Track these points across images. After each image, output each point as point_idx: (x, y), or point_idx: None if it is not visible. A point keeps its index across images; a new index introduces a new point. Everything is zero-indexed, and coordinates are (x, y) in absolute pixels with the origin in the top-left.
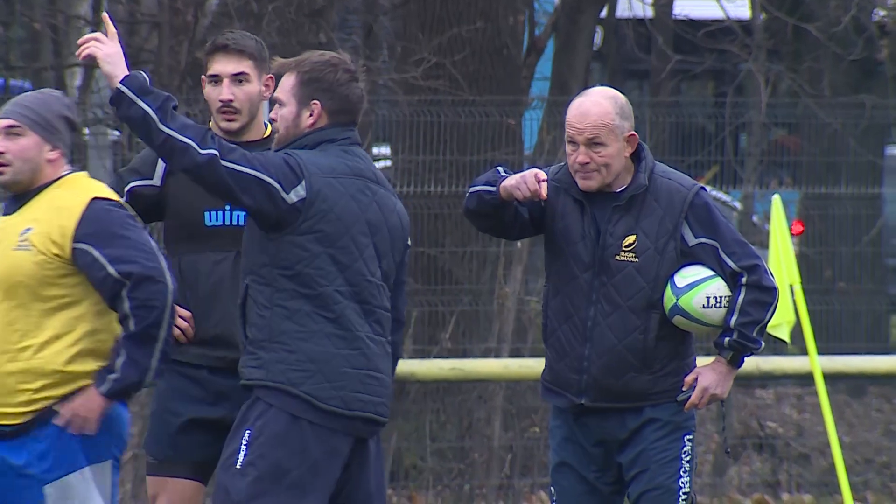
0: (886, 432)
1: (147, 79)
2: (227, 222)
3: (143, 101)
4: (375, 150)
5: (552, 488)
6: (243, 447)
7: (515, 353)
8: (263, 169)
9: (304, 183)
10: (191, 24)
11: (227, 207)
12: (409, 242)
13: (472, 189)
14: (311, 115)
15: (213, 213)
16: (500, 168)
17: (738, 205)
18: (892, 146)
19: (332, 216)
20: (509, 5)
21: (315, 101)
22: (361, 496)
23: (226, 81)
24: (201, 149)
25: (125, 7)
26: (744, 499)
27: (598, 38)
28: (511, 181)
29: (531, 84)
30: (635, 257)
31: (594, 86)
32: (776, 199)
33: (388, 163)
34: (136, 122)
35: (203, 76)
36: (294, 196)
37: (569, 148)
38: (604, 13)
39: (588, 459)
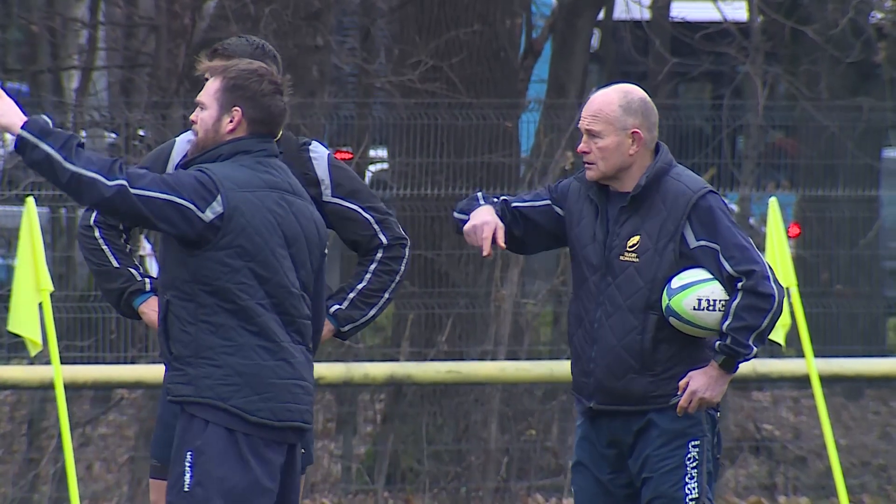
0: (883, 435)
1: (49, 121)
2: None
3: (45, 143)
4: (372, 153)
5: (573, 486)
6: (188, 469)
7: (512, 356)
8: (176, 192)
9: (219, 198)
10: (188, 28)
11: None
12: (327, 251)
13: (453, 213)
14: (230, 122)
15: None
16: (478, 195)
17: (735, 207)
18: (890, 149)
19: (251, 230)
20: (506, 8)
21: (236, 108)
22: (293, 499)
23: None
24: (108, 180)
25: (123, 10)
26: (740, 501)
27: (596, 40)
28: (468, 225)
29: (528, 87)
30: (637, 257)
31: (592, 88)
32: (773, 202)
33: (385, 165)
34: (41, 164)
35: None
36: (210, 213)
37: (580, 140)
38: (601, 16)
39: (602, 461)
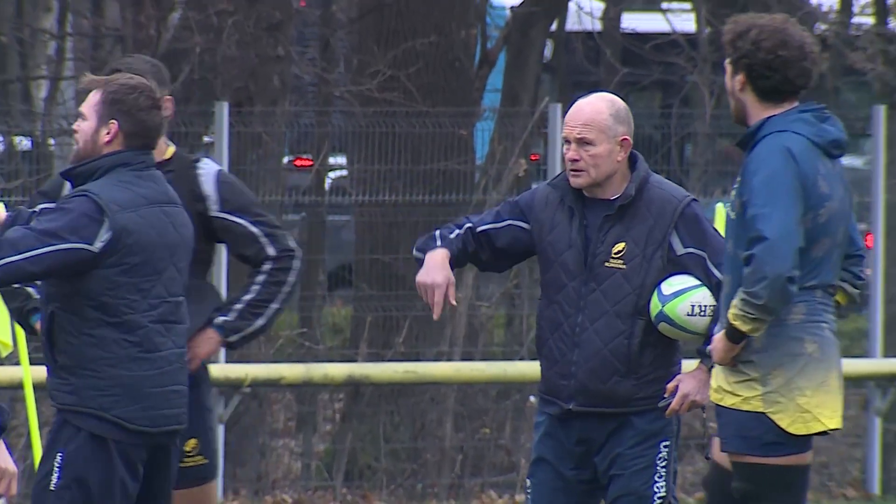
0: None
1: None
2: None
3: None
4: (332, 160)
5: (528, 480)
6: (56, 469)
7: (467, 357)
8: (61, 238)
9: (106, 224)
10: (153, 38)
11: None
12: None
13: (413, 250)
14: (107, 133)
15: None
16: (437, 234)
17: None
18: None
19: (137, 248)
20: (462, 20)
21: (113, 121)
22: (166, 492)
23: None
24: None
25: (90, 21)
26: (687, 497)
27: (549, 51)
28: (419, 278)
29: (483, 96)
30: (623, 264)
31: (545, 97)
32: (719, 207)
33: (344, 172)
34: None
35: None
36: (100, 242)
37: (565, 147)
38: (553, 27)
39: (568, 457)
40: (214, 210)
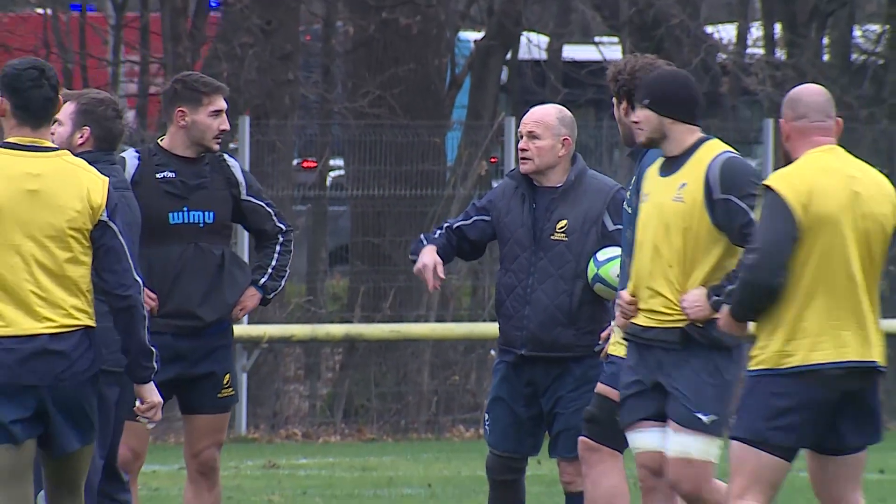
0: None
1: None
2: (187, 221)
3: None
4: (332, 163)
5: (487, 415)
6: None
7: (440, 319)
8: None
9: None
10: (189, 65)
11: (185, 209)
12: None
13: (409, 255)
14: (81, 137)
15: (175, 213)
16: (423, 237)
17: None
18: None
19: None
20: (435, 51)
21: (85, 127)
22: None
23: (224, 115)
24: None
25: (138, 52)
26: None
27: (505, 75)
28: (416, 267)
29: (452, 111)
30: (566, 237)
31: (502, 112)
32: None
33: (342, 172)
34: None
35: (184, 108)
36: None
37: (520, 140)
38: (508, 56)
39: (520, 396)
40: (244, 194)
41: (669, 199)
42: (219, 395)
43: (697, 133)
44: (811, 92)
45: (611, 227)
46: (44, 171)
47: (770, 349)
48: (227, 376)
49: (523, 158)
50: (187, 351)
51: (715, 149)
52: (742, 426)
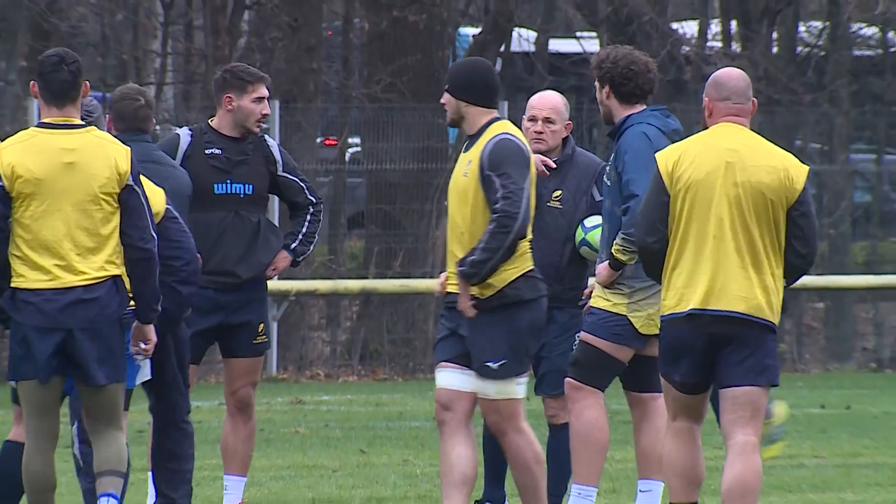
0: None
1: None
2: (229, 191)
3: None
4: (350, 140)
5: None
6: None
7: None
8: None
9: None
10: (227, 56)
11: (229, 181)
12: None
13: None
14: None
15: (220, 185)
16: None
17: None
18: None
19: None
20: (439, 44)
21: (106, 114)
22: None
23: (265, 102)
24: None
25: (183, 44)
26: None
27: (499, 65)
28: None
29: None
30: (560, 205)
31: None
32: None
33: (359, 148)
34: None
35: (231, 94)
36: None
37: (530, 123)
38: (502, 49)
39: None
40: (280, 171)
41: (461, 174)
42: (254, 342)
43: (490, 115)
44: (735, 77)
45: (598, 198)
46: (77, 146)
47: (664, 300)
48: (261, 325)
49: (538, 139)
50: (227, 303)
51: (494, 130)
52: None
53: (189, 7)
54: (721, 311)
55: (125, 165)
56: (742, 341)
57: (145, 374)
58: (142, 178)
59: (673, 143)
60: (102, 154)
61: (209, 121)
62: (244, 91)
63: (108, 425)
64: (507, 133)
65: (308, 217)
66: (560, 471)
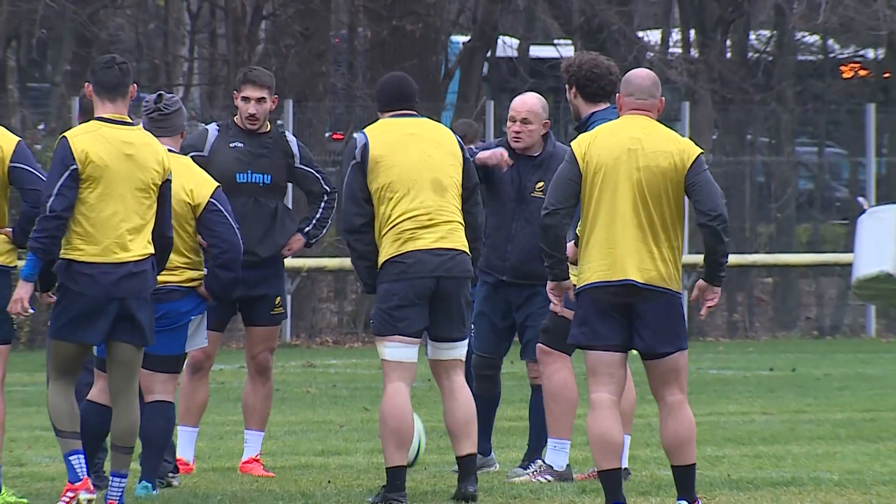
0: None
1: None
2: (250, 180)
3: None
4: (355, 135)
5: (472, 325)
6: None
7: None
8: None
9: None
10: (247, 61)
11: (249, 171)
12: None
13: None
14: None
15: (241, 174)
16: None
17: None
18: None
19: None
20: (433, 50)
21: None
22: None
23: (252, 102)
24: None
25: (208, 50)
26: None
27: (486, 68)
28: (482, 155)
29: (446, 96)
30: (542, 195)
31: (483, 97)
32: None
33: None
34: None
35: (235, 92)
36: None
37: (510, 123)
38: (489, 54)
39: (497, 311)
40: (297, 163)
41: None
42: (272, 312)
43: (384, 117)
44: (640, 76)
45: None
46: (134, 140)
47: (580, 273)
48: (278, 298)
49: (517, 138)
50: (248, 278)
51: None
52: (570, 334)
53: (213, 17)
54: (622, 280)
55: (168, 162)
56: (652, 310)
57: (200, 341)
58: (196, 168)
59: None
60: (152, 150)
61: (234, 117)
62: (238, 90)
63: (128, 381)
64: (361, 132)
65: (322, 204)
66: (541, 425)
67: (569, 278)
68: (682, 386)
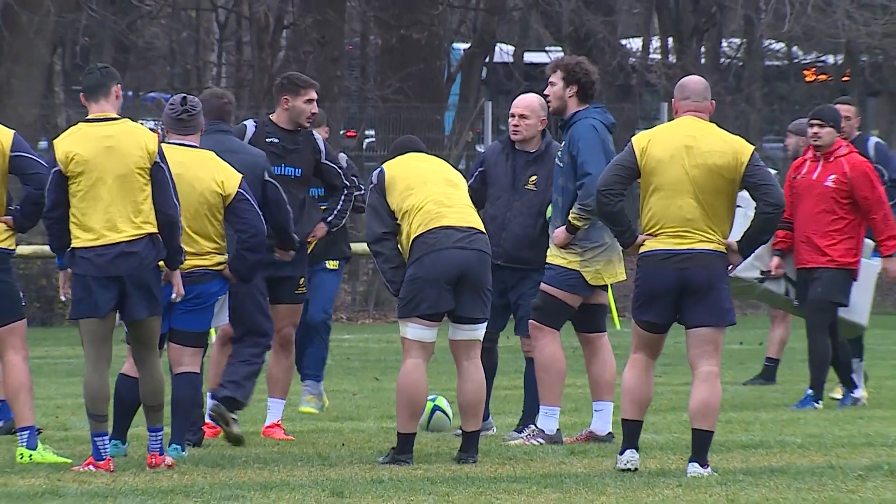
0: None
1: None
2: (283, 173)
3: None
4: (367, 132)
5: None
6: None
7: None
8: None
9: None
10: (269, 67)
11: (283, 165)
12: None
13: None
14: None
15: (276, 167)
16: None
17: None
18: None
19: None
20: (436, 55)
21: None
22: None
23: (314, 103)
24: None
25: (234, 56)
26: None
27: (484, 72)
28: None
29: (449, 97)
30: (535, 187)
31: (482, 99)
32: None
33: (374, 139)
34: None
35: (287, 96)
36: None
37: (510, 118)
38: (487, 60)
39: (495, 290)
40: (322, 159)
41: None
42: (296, 292)
43: None
44: (694, 81)
45: None
46: (114, 133)
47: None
48: (302, 279)
49: (515, 131)
50: (275, 261)
51: None
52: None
53: (239, 27)
54: (683, 250)
55: (153, 147)
56: (706, 284)
57: (223, 318)
58: (222, 162)
59: (609, 133)
60: (134, 138)
61: (269, 115)
62: (298, 94)
63: (148, 349)
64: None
65: (342, 197)
66: (533, 394)
67: (633, 242)
68: (717, 358)
